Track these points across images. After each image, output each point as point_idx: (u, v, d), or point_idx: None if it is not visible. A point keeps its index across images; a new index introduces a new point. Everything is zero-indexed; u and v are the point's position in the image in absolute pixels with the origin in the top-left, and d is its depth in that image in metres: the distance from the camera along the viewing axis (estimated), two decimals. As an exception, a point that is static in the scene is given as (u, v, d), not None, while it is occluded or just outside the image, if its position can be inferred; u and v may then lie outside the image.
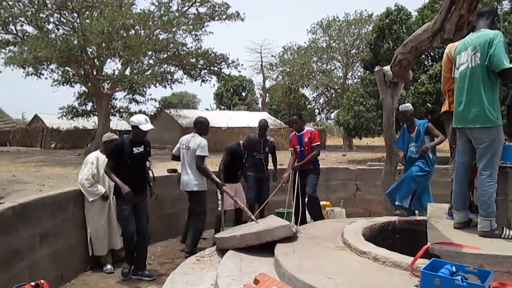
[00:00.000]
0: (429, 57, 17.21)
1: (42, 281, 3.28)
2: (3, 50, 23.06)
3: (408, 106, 5.56)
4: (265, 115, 38.42)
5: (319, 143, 6.12)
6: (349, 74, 36.95)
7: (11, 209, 3.83)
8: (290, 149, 6.35)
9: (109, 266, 4.99)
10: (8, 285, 3.37)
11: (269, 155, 6.77)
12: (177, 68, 25.56)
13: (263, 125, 6.77)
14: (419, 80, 15.51)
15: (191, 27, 23.91)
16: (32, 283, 3.22)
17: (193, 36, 24.92)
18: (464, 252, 2.91)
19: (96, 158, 5.10)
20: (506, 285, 2.58)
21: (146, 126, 4.58)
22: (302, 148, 6.08)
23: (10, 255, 3.77)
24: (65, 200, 4.77)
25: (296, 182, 5.99)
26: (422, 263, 2.73)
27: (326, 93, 39.19)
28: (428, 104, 15.54)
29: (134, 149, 4.57)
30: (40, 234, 4.27)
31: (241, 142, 6.30)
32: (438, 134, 5.38)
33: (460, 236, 3.33)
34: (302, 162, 6.03)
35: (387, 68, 5.66)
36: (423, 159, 5.29)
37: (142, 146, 4.65)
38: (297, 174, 6.02)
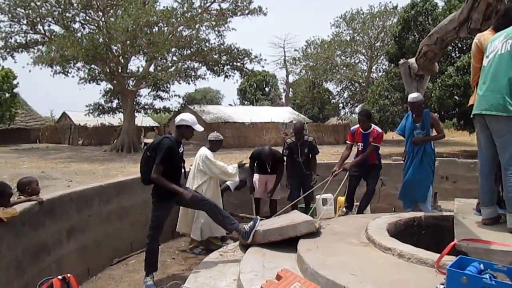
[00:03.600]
0: (456, 49, 16.80)
1: (68, 275, 3.35)
2: (32, 50, 23.69)
3: (418, 96, 5.40)
4: (288, 110, 38.37)
5: (378, 145, 5.97)
6: (374, 67, 36.53)
7: (40, 204, 3.91)
8: (348, 142, 6.19)
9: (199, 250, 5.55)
10: (37, 278, 3.46)
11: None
12: (200, 64, 25.70)
13: (298, 129, 6.59)
14: (446, 73, 15.16)
15: (214, 23, 23.99)
16: (59, 277, 3.29)
17: (216, 32, 25.02)
18: (492, 249, 2.82)
19: (207, 154, 5.54)
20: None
21: (199, 127, 4.49)
22: (365, 147, 5.94)
23: (39, 250, 3.87)
24: (91, 196, 4.85)
25: (347, 178, 6.04)
26: (449, 260, 2.66)
27: (350, 87, 38.81)
28: (456, 97, 15.20)
29: (179, 149, 4.43)
30: (67, 229, 4.36)
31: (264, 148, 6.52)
32: (440, 130, 5.35)
33: (489, 232, 3.22)
34: (355, 161, 5.92)
35: (412, 60, 5.53)
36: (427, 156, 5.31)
37: (181, 145, 4.53)
38: (347, 173, 6.01)
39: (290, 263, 3.61)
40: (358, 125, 6.09)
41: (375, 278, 2.84)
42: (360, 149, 5.99)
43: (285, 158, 6.66)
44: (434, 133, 5.49)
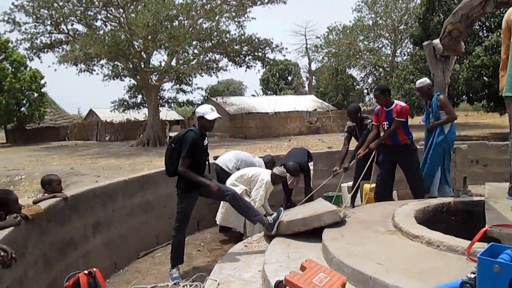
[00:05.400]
0: (484, 28, 16.21)
1: (94, 269, 3.39)
2: (57, 49, 24.21)
3: (423, 81, 5.28)
4: (312, 98, 38.07)
5: (402, 120, 5.43)
6: (398, 51, 35.75)
7: (64, 200, 3.97)
8: (373, 123, 5.86)
9: None
10: (65, 273, 3.50)
11: None
12: (221, 56, 25.73)
13: (348, 112, 6.37)
14: (473, 53, 14.65)
15: (233, 14, 23.90)
16: (85, 271, 3.33)
17: (236, 23, 24.93)
18: (527, 235, 2.69)
19: (268, 181, 5.48)
20: None
21: (212, 115, 4.36)
22: (390, 126, 5.57)
23: (65, 245, 3.94)
24: (115, 191, 4.90)
25: (373, 160, 5.76)
26: (480, 247, 2.54)
27: (375, 72, 38.17)
28: (485, 78, 14.67)
29: (204, 141, 4.41)
30: (92, 224, 4.43)
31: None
32: (448, 111, 5.11)
33: (523, 217, 3.08)
34: (380, 140, 5.61)
35: (436, 41, 5.35)
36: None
37: (205, 137, 4.49)
38: (374, 153, 5.72)
39: (315, 253, 3.55)
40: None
41: (403, 267, 2.75)
42: (385, 128, 5.63)
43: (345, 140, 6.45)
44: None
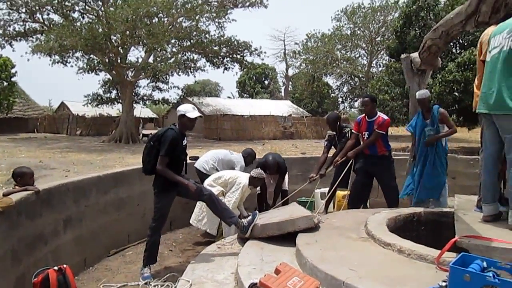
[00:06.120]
0: (458, 45, 16.75)
1: (64, 265, 3.33)
2: (31, 39, 23.53)
3: (426, 93, 5.37)
4: (287, 104, 38.31)
5: (382, 132, 5.56)
6: (374, 62, 36.59)
7: (35, 194, 3.87)
8: (353, 132, 5.92)
9: None
10: (33, 268, 3.44)
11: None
12: (200, 55, 25.57)
13: (327, 120, 6.45)
14: (446, 68, 15.10)
15: (214, 14, 23.82)
16: (55, 268, 3.26)
17: (216, 24, 24.86)
18: (494, 247, 2.79)
19: (245, 185, 5.44)
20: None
21: (194, 113, 4.38)
22: (370, 136, 5.64)
23: (35, 240, 3.84)
24: (88, 186, 4.82)
25: (350, 168, 5.82)
26: (449, 257, 2.63)
27: (350, 81, 38.80)
28: (456, 93, 15.16)
29: (183, 141, 4.40)
30: (63, 219, 4.34)
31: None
32: (451, 125, 5.24)
33: (490, 229, 3.19)
34: (358, 149, 5.67)
35: (414, 55, 5.48)
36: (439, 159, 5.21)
37: (185, 137, 4.49)
38: (351, 162, 5.79)
39: (289, 257, 3.58)
40: (363, 114, 5.82)
41: (375, 273, 2.81)
42: (365, 138, 5.70)
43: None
44: (445, 129, 5.38)
